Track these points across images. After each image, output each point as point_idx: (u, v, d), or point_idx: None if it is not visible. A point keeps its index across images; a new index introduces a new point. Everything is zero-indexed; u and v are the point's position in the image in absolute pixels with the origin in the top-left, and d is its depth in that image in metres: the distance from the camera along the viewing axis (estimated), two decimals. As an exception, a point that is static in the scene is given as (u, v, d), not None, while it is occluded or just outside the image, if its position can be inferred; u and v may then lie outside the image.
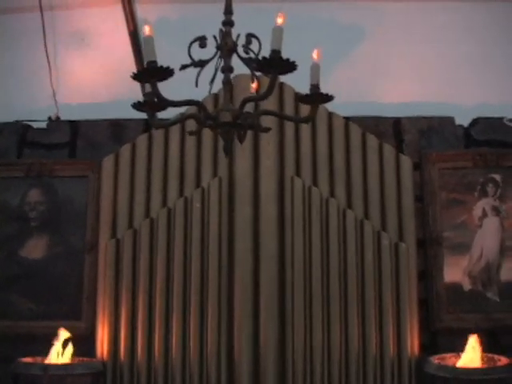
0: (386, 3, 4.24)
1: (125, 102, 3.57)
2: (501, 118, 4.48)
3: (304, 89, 2.46)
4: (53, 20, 4.34)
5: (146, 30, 2.08)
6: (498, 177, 4.29)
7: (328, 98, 2.22)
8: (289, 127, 3.96)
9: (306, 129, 4.07)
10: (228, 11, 2.25)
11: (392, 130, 4.50)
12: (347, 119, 4.31)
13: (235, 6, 2.56)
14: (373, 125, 4.45)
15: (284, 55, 2.16)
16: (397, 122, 4.51)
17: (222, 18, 2.44)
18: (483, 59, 4.36)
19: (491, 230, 4.23)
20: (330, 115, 4.13)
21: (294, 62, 2.00)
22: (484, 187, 4.29)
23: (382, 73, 4.44)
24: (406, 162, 4.11)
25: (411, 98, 4.50)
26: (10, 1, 4.34)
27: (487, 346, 3.87)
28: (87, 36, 4.44)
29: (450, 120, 4.49)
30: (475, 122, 4.50)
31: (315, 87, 2.24)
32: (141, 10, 4.20)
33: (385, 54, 4.39)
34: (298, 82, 2.65)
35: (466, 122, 4.51)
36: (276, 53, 2.00)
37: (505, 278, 4.16)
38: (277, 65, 2.02)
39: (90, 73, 4.57)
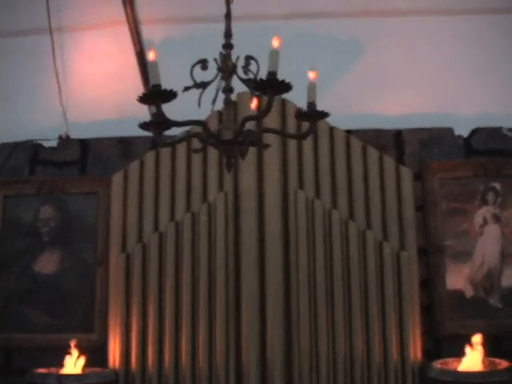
0: (382, 18, 4.30)
1: (132, 119, 3.64)
2: (499, 128, 4.52)
3: (305, 102, 2.55)
4: (61, 41, 4.41)
5: (151, 55, 2.20)
6: (497, 185, 4.33)
7: (324, 114, 2.34)
8: (291, 142, 4.04)
9: (308, 143, 4.13)
10: (227, 35, 2.36)
11: (393, 142, 4.54)
12: (349, 132, 4.36)
13: (236, 24, 2.67)
14: (374, 137, 4.50)
15: (285, 70, 2.27)
16: (398, 133, 4.56)
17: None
18: (481, 70, 4.40)
19: (492, 237, 4.27)
20: (331, 129, 4.20)
21: (289, 83, 2.12)
22: (484, 196, 4.32)
23: (381, 86, 4.46)
24: (406, 173, 4.16)
25: (411, 109, 4.53)
26: (20, 23, 4.41)
27: (490, 352, 3.89)
28: (95, 56, 4.49)
29: (449, 131, 4.54)
30: (474, 132, 4.54)
31: (312, 105, 2.35)
32: (146, 31, 4.25)
33: (384, 68, 4.43)
34: (299, 96, 2.73)
35: (465, 133, 4.54)
36: (273, 74, 2.11)
37: (506, 284, 4.20)
38: (273, 86, 2.12)
39: (98, 92, 4.59)
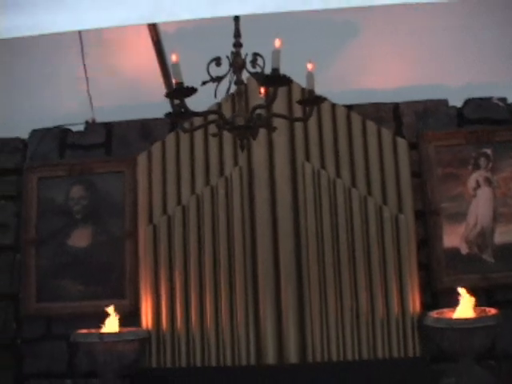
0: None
1: (152, 103, 3.94)
2: (490, 98, 4.67)
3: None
4: (87, 32, 4.36)
5: (173, 57, 2.53)
6: (489, 151, 4.50)
7: (321, 100, 2.69)
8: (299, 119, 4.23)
9: (312, 120, 4.02)
10: (237, 34, 2.65)
11: (392, 115, 4.70)
12: (350, 107, 4.50)
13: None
14: (374, 111, 4.67)
15: (289, 52, 2.56)
16: (395, 106, 4.70)
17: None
18: (472, 43, 4.43)
19: (485, 199, 4.47)
20: (333, 106, 4.37)
21: (289, 78, 2.45)
22: (477, 161, 4.50)
23: (378, 62, 4.57)
24: (402, 143, 4.33)
25: (408, 82, 4.62)
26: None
27: (484, 303, 4.14)
28: (116, 47, 4.56)
29: (444, 102, 4.71)
30: (467, 102, 4.69)
31: (311, 92, 2.69)
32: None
33: (380, 46, 4.48)
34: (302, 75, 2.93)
35: (458, 103, 4.71)
36: (275, 71, 2.43)
37: (498, 241, 4.41)
38: (276, 80, 2.46)
39: (121, 78, 4.69)
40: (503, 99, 4.72)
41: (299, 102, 2.79)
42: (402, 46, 4.56)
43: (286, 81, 2.50)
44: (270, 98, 2.54)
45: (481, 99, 4.71)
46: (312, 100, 2.70)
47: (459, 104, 4.74)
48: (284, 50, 2.95)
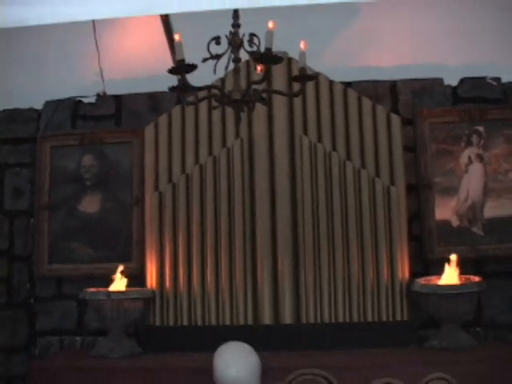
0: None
1: (160, 77, 4.08)
2: (484, 78, 4.74)
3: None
4: None
5: (176, 37, 2.74)
6: (481, 129, 4.59)
7: (312, 77, 2.92)
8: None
9: (310, 95, 4.39)
10: (235, 16, 2.82)
11: (389, 92, 4.80)
12: (349, 84, 4.63)
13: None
14: (372, 88, 4.77)
15: (290, 32, 2.73)
16: (393, 84, 4.79)
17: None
18: (469, 24, 4.53)
19: (476, 174, 4.57)
20: (331, 83, 4.46)
21: (280, 57, 2.66)
22: (469, 138, 4.59)
23: (377, 41, 4.66)
24: (396, 119, 4.42)
25: (405, 61, 4.74)
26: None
27: (472, 274, 4.26)
28: (127, 22, 4.61)
29: (439, 81, 4.78)
30: (462, 81, 4.76)
31: (303, 70, 2.88)
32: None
33: (379, 25, 4.57)
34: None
35: (454, 82, 4.78)
36: (268, 50, 2.63)
37: (488, 215, 4.52)
38: (269, 59, 2.66)
39: (130, 52, 4.84)
40: (497, 79, 4.77)
41: (293, 79, 3.00)
42: (400, 26, 4.65)
43: (278, 59, 2.70)
44: (263, 76, 2.75)
45: (475, 79, 4.77)
46: (303, 77, 2.89)
47: (454, 83, 4.80)
48: (284, 28, 3.11)
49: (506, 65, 4.73)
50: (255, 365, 3.09)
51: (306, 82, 2.92)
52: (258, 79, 2.89)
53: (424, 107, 4.72)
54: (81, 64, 4.95)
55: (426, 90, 4.82)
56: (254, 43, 2.80)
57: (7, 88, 4.89)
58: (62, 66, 4.94)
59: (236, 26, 2.83)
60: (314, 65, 4.27)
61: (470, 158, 4.62)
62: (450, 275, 4.11)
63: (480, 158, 4.61)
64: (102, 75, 4.90)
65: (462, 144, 4.63)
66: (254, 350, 3.12)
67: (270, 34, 2.64)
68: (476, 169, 4.62)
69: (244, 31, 2.88)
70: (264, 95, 3.05)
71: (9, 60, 4.86)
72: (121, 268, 4.41)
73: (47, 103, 5.11)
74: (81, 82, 5.02)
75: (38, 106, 5.13)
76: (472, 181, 4.60)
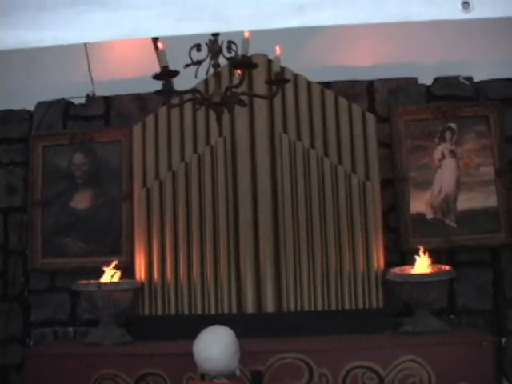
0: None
1: (147, 78, 4.25)
2: (457, 77, 4.91)
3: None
4: None
5: (160, 45, 2.93)
6: (454, 125, 4.74)
7: (286, 81, 3.15)
8: (277, 96, 4.25)
9: (290, 95, 4.55)
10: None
11: (366, 91, 5.00)
12: (328, 84, 4.80)
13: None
14: (350, 87, 4.96)
15: (272, 33, 2.94)
16: (370, 83, 4.98)
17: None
18: (442, 24, 4.24)
19: (449, 169, 4.73)
20: (309, 83, 4.61)
21: (255, 63, 2.88)
22: (442, 134, 4.74)
23: (354, 41, 4.76)
24: (371, 118, 4.57)
25: (383, 61, 4.89)
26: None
27: (445, 263, 4.47)
28: None
29: (414, 80, 4.97)
30: (435, 80, 4.93)
31: (278, 74, 3.10)
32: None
33: (356, 25, 4.79)
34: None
35: (428, 81, 4.94)
36: (244, 57, 2.84)
37: (460, 207, 4.68)
38: (244, 65, 2.88)
39: (118, 55, 4.92)
40: (469, 78, 4.95)
41: (267, 82, 3.21)
42: (376, 26, 4.76)
43: (253, 65, 2.94)
44: (239, 80, 2.96)
45: (448, 78, 4.94)
46: (278, 81, 3.12)
47: (429, 82, 4.97)
48: (264, 30, 3.32)
49: (478, 63, 4.87)
50: (227, 345, 3.09)
51: (282, 84, 3.10)
52: (236, 83, 3.08)
53: (399, 105, 4.87)
54: (71, 66, 5.02)
55: (401, 88, 5.00)
56: (232, 49, 2.99)
57: (1, 90, 4.95)
58: (54, 68, 4.98)
59: (215, 34, 3.00)
60: (293, 66, 4.49)
61: (443, 153, 4.76)
62: (422, 265, 4.31)
63: (453, 153, 4.75)
64: (91, 77, 5.01)
65: (436, 140, 4.77)
66: (231, 332, 3.18)
67: (246, 42, 2.84)
68: (449, 163, 4.76)
69: (223, 39, 3.06)
70: (243, 97, 3.25)
71: (2, 63, 4.97)
72: (115, 262, 4.55)
73: (39, 104, 5.22)
74: (71, 84, 5.09)
75: (31, 106, 5.25)
76: (445, 175, 4.74)
